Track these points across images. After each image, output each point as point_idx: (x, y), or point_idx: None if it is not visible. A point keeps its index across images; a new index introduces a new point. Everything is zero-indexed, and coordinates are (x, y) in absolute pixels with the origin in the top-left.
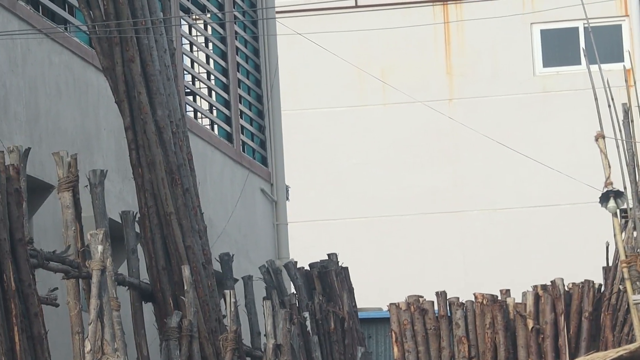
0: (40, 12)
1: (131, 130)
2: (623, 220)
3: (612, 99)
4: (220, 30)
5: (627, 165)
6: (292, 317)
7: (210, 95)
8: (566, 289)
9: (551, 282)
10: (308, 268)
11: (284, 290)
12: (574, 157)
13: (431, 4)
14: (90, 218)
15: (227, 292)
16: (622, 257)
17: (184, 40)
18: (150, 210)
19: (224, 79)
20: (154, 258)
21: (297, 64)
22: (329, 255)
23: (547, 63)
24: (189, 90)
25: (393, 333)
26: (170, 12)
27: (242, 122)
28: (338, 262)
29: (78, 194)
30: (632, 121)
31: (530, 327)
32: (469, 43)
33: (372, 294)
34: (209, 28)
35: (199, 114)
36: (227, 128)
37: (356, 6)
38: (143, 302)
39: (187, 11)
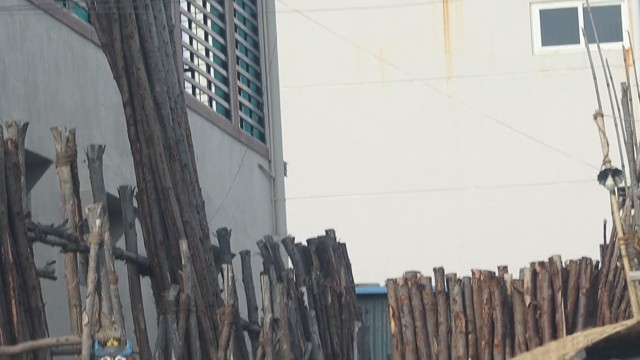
0: None
1: (129, 105)
2: (621, 198)
3: (611, 78)
4: (219, 7)
5: (625, 144)
6: (290, 292)
7: (208, 71)
8: (564, 266)
9: (549, 259)
10: (306, 244)
11: (281, 265)
12: (572, 135)
13: None
14: (88, 193)
15: (224, 266)
16: (620, 235)
17: (183, 17)
18: (148, 185)
19: (222, 56)
20: (152, 232)
21: (296, 42)
22: (326, 231)
23: (546, 42)
24: (187, 67)
25: (390, 308)
26: None
27: (241, 98)
28: (336, 238)
29: (76, 169)
30: (631, 100)
31: (527, 303)
32: (467, 22)
33: (369, 269)
34: (208, 5)
35: (197, 91)
36: (226, 104)
37: None
38: (141, 276)
39: None
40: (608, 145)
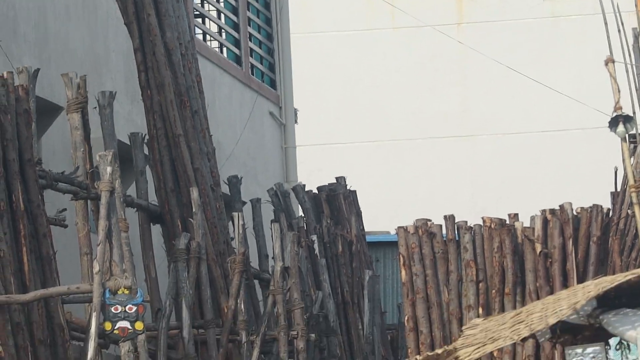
0: None
1: (140, 52)
2: (632, 145)
3: (622, 24)
4: None
5: (636, 90)
6: (300, 240)
7: (219, 17)
8: (574, 213)
9: (560, 206)
10: (316, 191)
11: (292, 213)
12: (583, 81)
13: None
14: (99, 140)
15: (235, 214)
16: (631, 182)
17: None
18: (159, 132)
19: (233, 2)
20: (163, 180)
21: None
22: (337, 178)
23: None
24: (198, 13)
25: (401, 256)
26: None
27: (251, 44)
28: (346, 185)
29: (87, 116)
30: None
31: (538, 251)
32: None
33: (380, 217)
34: None
35: (208, 37)
36: (236, 51)
37: None
38: (151, 224)
39: None
40: (619, 91)
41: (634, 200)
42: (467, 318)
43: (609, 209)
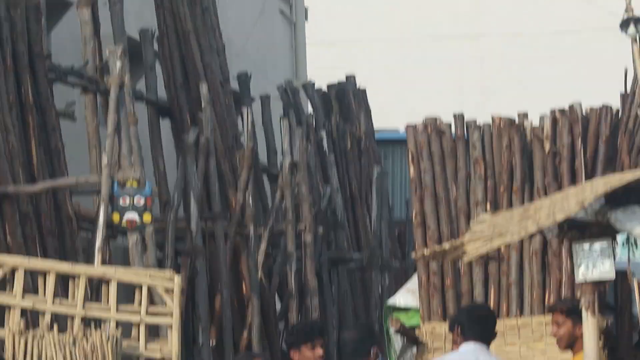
0: None
1: None
2: None
3: None
4: None
5: None
6: (309, 136)
7: None
8: (584, 113)
9: (569, 106)
10: (326, 89)
11: (301, 110)
12: None
13: None
14: (108, 36)
15: (244, 110)
16: None
17: None
18: (168, 29)
19: None
20: (172, 75)
21: None
22: (347, 77)
23: None
24: None
25: (410, 153)
26: None
27: None
28: (356, 83)
29: (97, 11)
30: None
31: (547, 150)
32: None
33: (389, 116)
34: None
35: None
36: None
37: None
38: (160, 119)
39: None
40: None
41: None
42: (475, 214)
43: (618, 110)
